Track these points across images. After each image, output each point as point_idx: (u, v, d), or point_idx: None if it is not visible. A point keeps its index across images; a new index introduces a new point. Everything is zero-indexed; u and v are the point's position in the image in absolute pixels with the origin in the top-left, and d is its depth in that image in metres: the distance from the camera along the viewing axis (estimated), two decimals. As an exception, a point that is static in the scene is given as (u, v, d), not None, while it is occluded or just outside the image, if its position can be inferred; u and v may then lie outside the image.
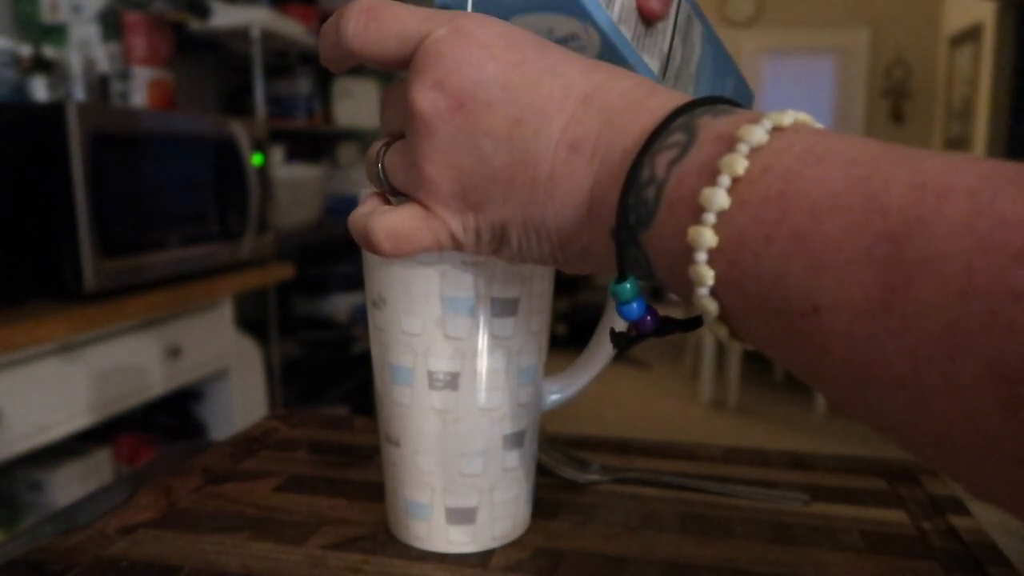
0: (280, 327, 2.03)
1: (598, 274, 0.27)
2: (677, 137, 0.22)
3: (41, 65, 1.41)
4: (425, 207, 0.27)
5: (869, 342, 0.17)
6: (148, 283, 1.37)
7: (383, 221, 0.28)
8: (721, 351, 2.98)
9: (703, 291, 0.21)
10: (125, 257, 1.30)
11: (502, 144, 0.25)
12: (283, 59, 2.31)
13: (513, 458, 0.35)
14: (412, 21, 0.26)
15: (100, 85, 1.56)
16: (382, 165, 0.29)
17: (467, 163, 0.25)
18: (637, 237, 0.23)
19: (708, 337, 2.88)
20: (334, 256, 2.46)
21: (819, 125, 0.22)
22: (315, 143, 2.62)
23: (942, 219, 0.16)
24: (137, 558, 0.34)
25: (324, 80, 2.52)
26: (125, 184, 1.32)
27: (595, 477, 0.43)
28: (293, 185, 2.15)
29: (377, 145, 0.29)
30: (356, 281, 2.32)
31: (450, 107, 0.25)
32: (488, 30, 0.25)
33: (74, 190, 1.19)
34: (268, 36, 1.98)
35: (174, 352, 1.45)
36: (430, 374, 0.33)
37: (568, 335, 3.47)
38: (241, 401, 1.68)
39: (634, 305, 0.24)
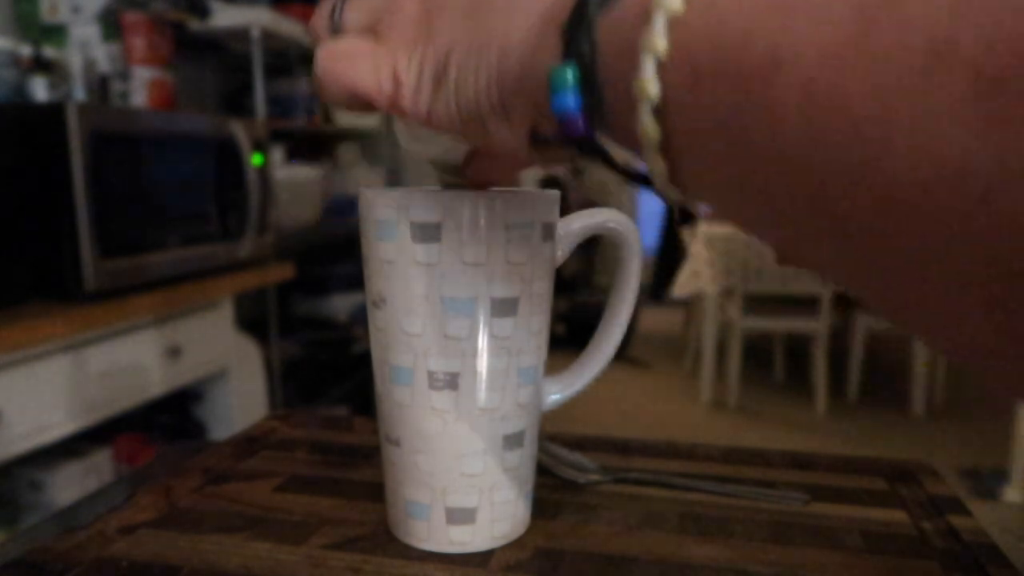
0: (280, 327, 2.03)
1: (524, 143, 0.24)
2: None
3: (41, 65, 1.41)
4: (375, 43, 0.26)
5: (830, 92, 0.16)
6: (148, 283, 1.37)
7: (330, 44, 0.26)
8: (721, 351, 2.98)
9: (649, 66, 0.19)
10: (125, 257, 1.30)
11: (462, 8, 0.24)
12: (283, 59, 2.31)
13: (513, 458, 0.35)
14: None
15: (100, 85, 1.56)
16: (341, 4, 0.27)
17: (427, 24, 0.25)
18: (592, 22, 0.21)
19: (708, 337, 2.88)
20: (334, 256, 2.46)
21: None
22: (315, 143, 2.62)
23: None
24: (137, 558, 0.34)
25: (324, 80, 2.51)
26: (125, 184, 1.32)
27: (595, 477, 0.43)
28: (293, 185, 2.15)
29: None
30: (356, 281, 2.32)
31: None
32: None
33: (74, 190, 1.19)
34: (268, 36, 1.99)
35: (174, 352, 1.45)
36: (430, 374, 0.33)
37: (568, 335, 3.47)
38: (241, 401, 1.68)
39: (570, 96, 0.21)
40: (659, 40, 0.18)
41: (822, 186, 0.17)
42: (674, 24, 0.18)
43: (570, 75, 0.21)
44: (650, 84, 0.18)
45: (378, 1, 0.26)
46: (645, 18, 0.19)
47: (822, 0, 0.16)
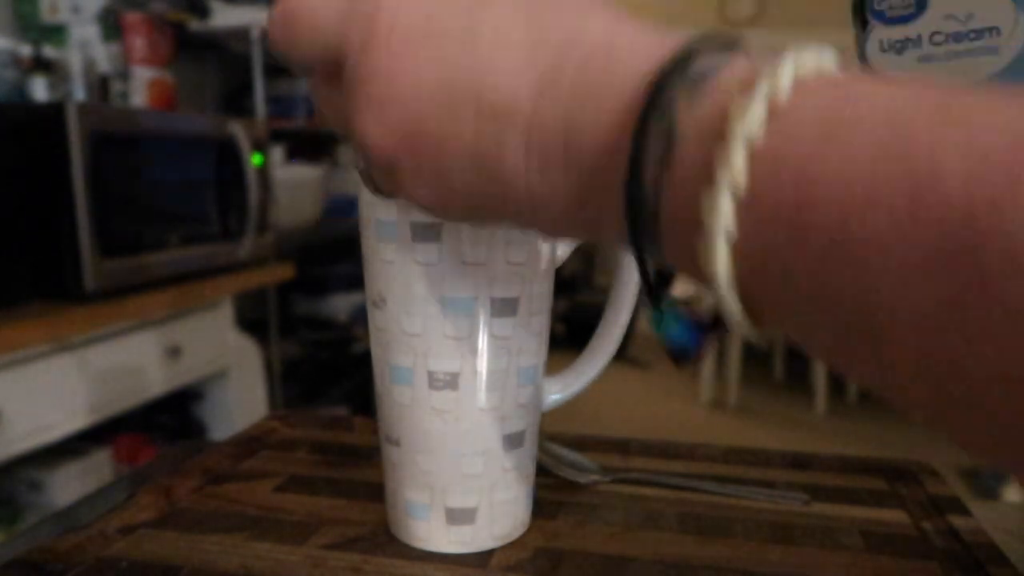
0: (280, 327, 2.03)
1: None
2: (654, 135, 0.18)
3: (41, 65, 1.41)
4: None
5: (942, 351, 0.15)
6: (148, 283, 1.36)
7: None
8: (721, 351, 2.98)
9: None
10: (125, 257, 1.30)
11: (468, 168, 0.21)
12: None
13: (513, 458, 0.35)
14: (329, 20, 0.23)
15: (100, 85, 1.56)
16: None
17: (441, 190, 0.23)
18: (645, 251, 0.19)
19: (708, 337, 2.88)
20: (334, 256, 2.46)
21: (829, 58, 0.18)
22: (315, 143, 2.61)
23: (1018, 203, 0.13)
24: (137, 558, 0.34)
25: (324, 80, 2.51)
26: (125, 184, 1.32)
27: (595, 477, 0.43)
28: (293, 185, 2.15)
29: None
30: (356, 281, 2.32)
31: (401, 147, 0.22)
32: (409, 14, 0.21)
33: (74, 190, 1.19)
34: (268, 36, 1.98)
35: (174, 352, 1.45)
36: (430, 374, 0.33)
37: (568, 335, 3.47)
38: (241, 401, 1.68)
39: (675, 331, 0.22)
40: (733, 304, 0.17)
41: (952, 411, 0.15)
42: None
43: (664, 318, 0.21)
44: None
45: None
46: (701, 278, 0.18)
47: (896, 267, 0.14)
